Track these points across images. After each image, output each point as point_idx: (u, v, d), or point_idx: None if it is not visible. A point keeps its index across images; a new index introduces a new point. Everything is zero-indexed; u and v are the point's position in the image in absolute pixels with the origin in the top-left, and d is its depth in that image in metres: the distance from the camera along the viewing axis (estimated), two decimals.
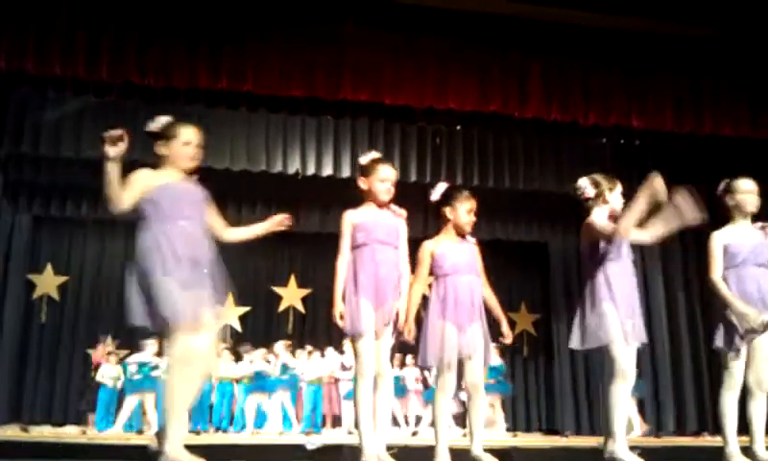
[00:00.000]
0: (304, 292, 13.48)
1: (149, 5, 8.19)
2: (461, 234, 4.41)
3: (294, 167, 10.06)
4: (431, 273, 4.39)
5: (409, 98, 8.72)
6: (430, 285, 4.41)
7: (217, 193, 10.70)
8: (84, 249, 13.00)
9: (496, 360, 10.65)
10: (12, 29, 7.83)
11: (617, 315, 4.12)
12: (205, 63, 8.23)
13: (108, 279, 12.92)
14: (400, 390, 11.06)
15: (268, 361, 10.91)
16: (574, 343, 4.29)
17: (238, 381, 10.68)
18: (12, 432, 9.24)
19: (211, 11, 8.31)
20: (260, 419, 10.72)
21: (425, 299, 4.36)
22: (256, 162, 9.95)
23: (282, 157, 10.01)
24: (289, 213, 4.47)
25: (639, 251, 11.28)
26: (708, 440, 9.34)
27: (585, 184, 4.45)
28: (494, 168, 10.40)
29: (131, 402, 9.89)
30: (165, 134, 3.89)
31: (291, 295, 13.49)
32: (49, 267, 12.67)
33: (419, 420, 11.54)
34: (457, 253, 4.35)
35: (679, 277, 11.16)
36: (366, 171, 4.22)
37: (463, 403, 11.82)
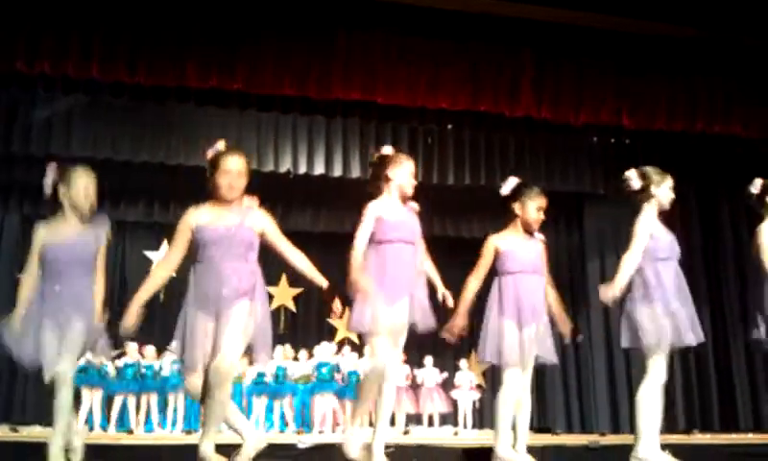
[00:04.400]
0: (296, 291, 13.46)
1: (139, 3, 8.16)
2: (528, 231, 4.35)
3: (285, 166, 10.05)
4: (492, 268, 4.31)
5: (400, 97, 8.72)
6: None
7: (207, 192, 10.62)
8: None
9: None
10: (2, 28, 7.79)
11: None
12: (196, 62, 8.20)
13: None
14: None
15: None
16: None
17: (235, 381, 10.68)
18: (1, 432, 9.19)
19: (202, 9, 8.28)
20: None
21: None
22: (248, 161, 9.91)
23: (274, 157, 10.01)
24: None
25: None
26: (698, 437, 9.37)
27: (632, 176, 4.37)
28: (486, 167, 10.42)
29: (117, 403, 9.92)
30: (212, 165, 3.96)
31: (282, 294, 13.46)
32: None
33: (409, 419, 11.56)
34: (524, 251, 4.28)
35: None
36: (392, 162, 4.13)
37: (454, 402, 11.86)
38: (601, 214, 11.58)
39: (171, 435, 9.74)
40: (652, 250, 4.21)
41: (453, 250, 13.47)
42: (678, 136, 9.55)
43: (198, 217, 3.75)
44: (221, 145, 3.85)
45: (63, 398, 3.95)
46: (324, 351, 11.15)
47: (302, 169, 10.09)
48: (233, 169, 3.88)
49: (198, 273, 3.78)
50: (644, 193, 4.32)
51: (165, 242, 13.12)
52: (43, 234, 4.06)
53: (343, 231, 12.28)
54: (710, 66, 9.09)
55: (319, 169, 10.08)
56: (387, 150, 4.21)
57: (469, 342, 13.44)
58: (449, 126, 10.19)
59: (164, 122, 9.72)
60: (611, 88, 9.03)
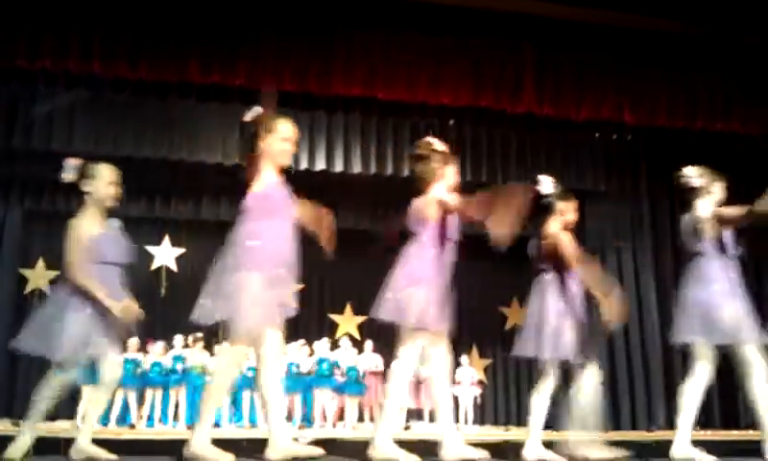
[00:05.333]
0: (297, 286, 13.45)
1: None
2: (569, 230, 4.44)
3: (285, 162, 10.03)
4: (557, 267, 4.37)
5: (402, 93, 8.72)
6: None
7: (209, 187, 10.83)
8: None
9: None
10: (3, 23, 7.79)
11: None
12: (197, 58, 8.21)
13: None
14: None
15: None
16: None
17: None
18: (3, 426, 9.21)
19: (204, 5, 8.29)
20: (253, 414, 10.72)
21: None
22: (248, 157, 9.92)
23: None
24: None
25: (632, 248, 11.29)
26: (699, 434, 9.37)
27: (691, 173, 4.41)
28: (487, 163, 10.41)
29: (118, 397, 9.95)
30: (263, 127, 3.73)
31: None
32: (41, 261, 12.62)
33: (409, 414, 11.57)
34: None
35: (669, 271, 11.18)
36: (445, 160, 4.10)
37: (455, 398, 11.87)
38: (602, 211, 11.57)
39: (173, 430, 9.76)
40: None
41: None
42: (679, 133, 9.55)
43: (269, 180, 3.69)
44: (260, 109, 3.78)
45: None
46: (324, 346, 11.16)
47: (303, 165, 10.07)
48: (293, 137, 3.80)
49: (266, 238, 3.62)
50: (703, 190, 4.33)
51: (167, 237, 13.14)
52: (86, 226, 4.09)
53: (344, 227, 12.28)
54: (711, 63, 9.09)
55: (320, 165, 10.07)
56: (441, 146, 4.12)
57: (470, 338, 13.54)
58: (451, 121, 10.18)
59: (166, 118, 9.71)
60: (612, 85, 9.03)
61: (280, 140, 3.70)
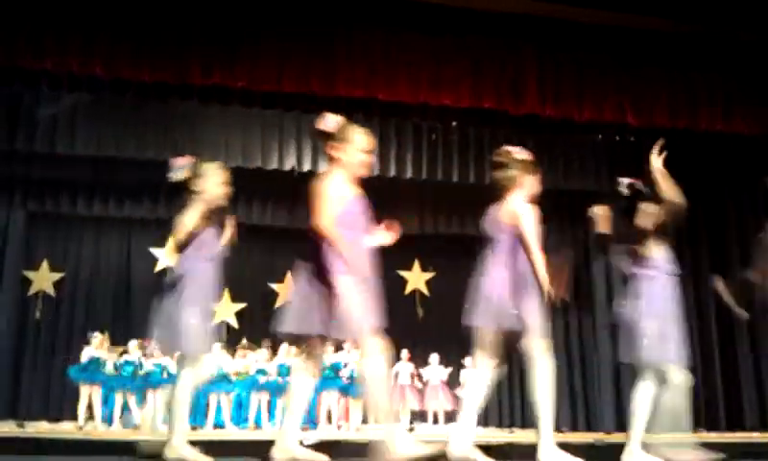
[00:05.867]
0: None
1: (142, 1, 8.17)
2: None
3: (290, 164, 10.05)
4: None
5: (404, 94, 8.71)
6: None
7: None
8: (79, 245, 12.97)
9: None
10: (5, 25, 7.80)
11: None
12: (199, 60, 8.20)
13: (103, 274, 12.91)
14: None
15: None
16: None
17: (237, 377, 10.65)
18: (7, 428, 9.23)
19: (204, 7, 8.29)
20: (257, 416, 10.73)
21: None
22: (251, 159, 9.94)
23: (278, 154, 10.01)
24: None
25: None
26: (704, 436, 9.35)
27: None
28: (490, 165, 10.39)
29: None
30: (339, 137, 3.68)
31: (287, 291, 13.47)
32: (44, 263, 12.64)
33: (413, 416, 11.57)
34: None
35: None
36: (525, 169, 4.11)
37: (459, 400, 11.85)
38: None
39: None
40: None
41: (457, 247, 13.50)
42: (681, 134, 9.54)
43: (343, 189, 3.62)
44: (338, 117, 3.73)
45: None
46: (329, 349, 11.17)
47: (307, 166, 10.09)
48: (370, 147, 3.73)
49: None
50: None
51: (170, 239, 13.15)
52: (195, 217, 4.17)
53: None
54: (713, 64, 9.07)
55: (323, 166, 10.05)
56: (525, 155, 4.15)
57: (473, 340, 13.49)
58: (453, 123, 10.18)
59: (168, 120, 9.73)
60: (614, 86, 9.01)
61: (358, 151, 3.64)
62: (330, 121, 3.67)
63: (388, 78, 8.56)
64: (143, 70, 8.16)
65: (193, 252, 4.15)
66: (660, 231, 4.36)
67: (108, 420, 10.14)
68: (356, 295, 3.44)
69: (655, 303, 4.32)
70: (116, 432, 9.22)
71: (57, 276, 12.71)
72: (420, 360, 11.90)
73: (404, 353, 11.69)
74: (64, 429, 9.89)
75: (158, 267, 13.04)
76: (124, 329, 11.95)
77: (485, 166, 10.39)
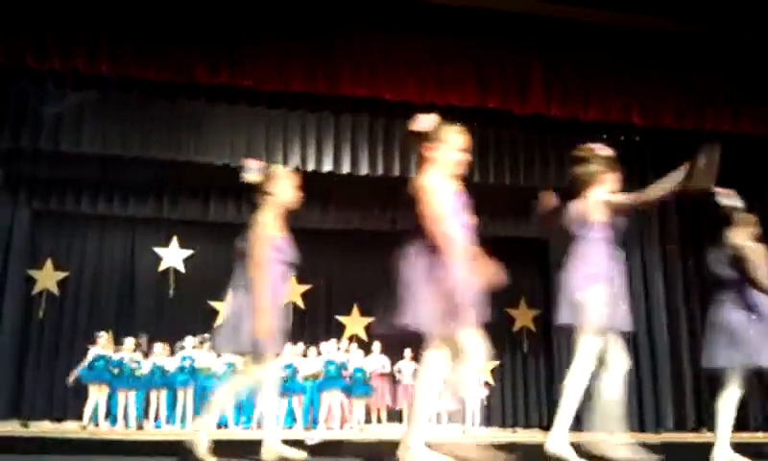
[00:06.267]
0: (304, 288, 13.47)
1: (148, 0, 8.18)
2: None
3: (294, 163, 10.05)
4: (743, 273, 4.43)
5: (409, 94, 8.70)
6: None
7: (217, 188, 10.86)
8: (83, 244, 12.99)
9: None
10: (12, 23, 7.81)
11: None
12: (205, 59, 8.22)
13: (108, 273, 12.92)
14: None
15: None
16: None
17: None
18: (11, 427, 9.25)
19: (211, 6, 8.30)
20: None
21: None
22: (256, 158, 9.92)
23: (282, 153, 10.01)
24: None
25: (639, 246, 11.29)
26: (708, 435, 9.34)
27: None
28: (495, 164, 10.39)
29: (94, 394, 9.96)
30: (435, 137, 3.67)
31: (290, 291, 13.48)
32: (49, 262, 12.66)
33: None
34: None
35: (678, 273, 11.16)
36: (607, 165, 4.15)
37: (462, 400, 11.85)
38: None
39: (181, 431, 9.77)
40: None
41: None
42: (687, 135, 9.52)
43: (446, 187, 3.61)
44: (432, 117, 3.71)
45: None
46: (332, 348, 11.17)
47: (311, 166, 10.08)
48: (466, 147, 3.72)
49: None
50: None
51: (175, 238, 13.17)
52: (270, 227, 4.18)
53: (351, 228, 12.29)
54: (719, 64, 9.06)
55: (327, 166, 10.07)
56: (604, 150, 4.18)
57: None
58: (458, 122, 10.16)
59: (174, 118, 9.74)
60: (620, 86, 9.00)
61: (455, 150, 3.65)
62: (425, 121, 3.67)
63: (393, 77, 8.56)
64: (149, 69, 8.17)
65: (272, 255, 4.15)
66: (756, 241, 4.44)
67: (112, 420, 10.14)
68: (463, 291, 3.46)
69: (762, 309, 4.43)
70: (119, 432, 9.23)
71: (61, 274, 12.72)
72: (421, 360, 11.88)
73: (407, 353, 11.69)
74: (68, 429, 9.91)
75: (162, 266, 13.05)
76: (128, 328, 11.97)
77: (489, 165, 10.39)
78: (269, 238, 4.14)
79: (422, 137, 3.64)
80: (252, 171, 4.35)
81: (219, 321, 4.29)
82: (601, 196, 4.04)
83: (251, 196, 4.29)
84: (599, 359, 3.98)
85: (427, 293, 3.44)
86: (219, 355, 10.33)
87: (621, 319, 3.96)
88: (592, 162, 4.13)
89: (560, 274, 4.11)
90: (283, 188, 4.31)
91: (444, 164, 3.61)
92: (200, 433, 4.12)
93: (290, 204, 4.34)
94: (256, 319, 3.99)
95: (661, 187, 3.88)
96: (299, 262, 4.40)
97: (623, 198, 3.99)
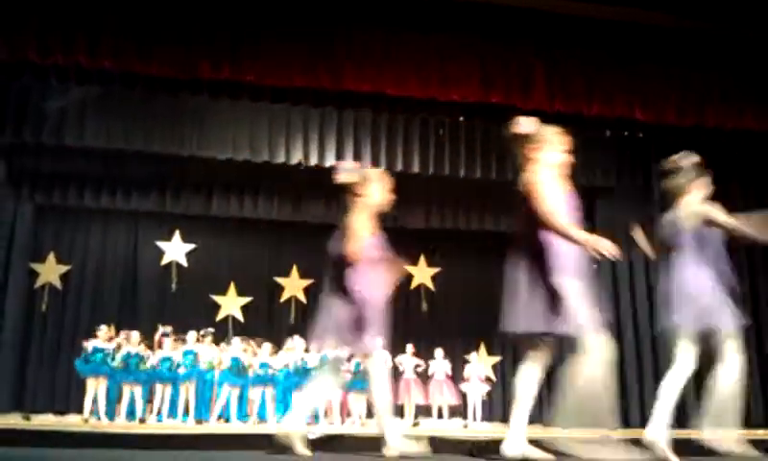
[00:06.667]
0: (306, 282, 13.48)
1: None
2: None
3: (297, 158, 10.06)
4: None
5: (412, 89, 8.70)
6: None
7: (220, 183, 10.83)
8: (86, 238, 13.00)
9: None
10: (14, 17, 7.81)
11: None
12: (208, 54, 8.22)
13: (110, 267, 12.94)
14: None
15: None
16: None
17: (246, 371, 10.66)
18: (14, 420, 9.27)
19: (213, 1, 8.30)
20: (262, 409, 10.74)
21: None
22: (259, 153, 9.96)
23: (285, 148, 10.02)
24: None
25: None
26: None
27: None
28: (497, 160, 10.38)
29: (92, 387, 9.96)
30: (537, 138, 3.81)
31: (293, 285, 13.50)
32: (51, 256, 12.68)
33: (418, 410, 11.58)
34: None
35: None
36: (694, 174, 4.26)
37: (464, 395, 11.87)
38: (613, 208, 11.54)
39: (183, 425, 9.79)
40: None
41: (463, 242, 13.50)
42: (690, 131, 9.50)
43: (557, 187, 3.70)
44: (532, 120, 3.85)
45: None
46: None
47: (314, 161, 10.09)
48: (569, 147, 3.89)
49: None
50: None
51: (177, 232, 13.18)
52: (365, 224, 4.20)
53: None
54: (723, 60, 9.03)
55: (330, 161, 10.08)
56: (687, 159, 4.29)
57: (479, 335, 13.52)
58: (461, 118, 10.16)
59: (176, 113, 9.75)
60: (623, 82, 8.99)
61: (558, 150, 3.81)
62: (526, 124, 3.78)
63: (396, 73, 8.56)
64: (152, 64, 8.18)
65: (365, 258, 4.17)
66: None
67: (110, 413, 10.13)
68: (580, 292, 3.54)
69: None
70: (119, 425, 9.24)
71: (63, 268, 12.74)
72: (424, 355, 11.90)
73: (409, 348, 11.70)
74: (70, 422, 9.93)
75: (165, 260, 13.07)
76: (130, 322, 11.99)
77: (492, 161, 10.38)
78: (365, 239, 4.16)
79: (525, 140, 3.76)
80: (346, 173, 4.38)
81: (316, 320, 4.34)
82: (692, 206, 4.20)
83: (340, 197, 4.34)
84: (715, 357, 4.04)
85: (538, 297, 3.55)
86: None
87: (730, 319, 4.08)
88: (680, 174, 4.29)
89: (665, 283, 4.20)
90: (376, 190, 4.34)
91: (549, 165, 3.71)
92: (294, 427, 4.17)
93: (382, 205, 4.36)
94: (363, 315, 4.08)
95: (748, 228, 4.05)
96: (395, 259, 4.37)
97: (713, 214, 4.13)
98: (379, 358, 4.29)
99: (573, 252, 3.56)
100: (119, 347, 10.30)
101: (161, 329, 10.92)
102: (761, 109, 9.15)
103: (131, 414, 10.14)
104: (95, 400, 9.98)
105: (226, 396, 10.45)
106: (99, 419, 9.77)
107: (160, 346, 10.62)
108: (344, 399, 10.86)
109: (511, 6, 8.55)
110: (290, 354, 10.85)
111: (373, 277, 4.17)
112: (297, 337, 11.02)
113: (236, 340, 10.97)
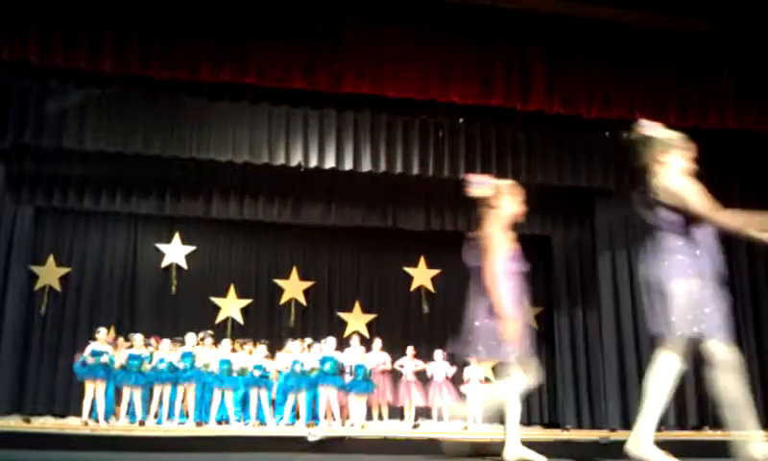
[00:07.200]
0: (306, 285, 13.49)
1: None
2: None
3: (296, 160, 10.06)
4: None
5: (411, 91, 8.71)
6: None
7: (219, 185, 10.86)
8: (86, 240, 13.01)
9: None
10: (15, 20, 7.81)
11: None
12: (208, 56, 8.22)
13: (110, 270, 12.95)
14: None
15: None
16: None
17: (240, 374, 10.66)
18: (14, 423, 9.27)
19: (213, 4, 8.30)
20: (260, 411, 10.73)
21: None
22: (259, 155, 9.96)
23: (285, 150, 10.02)
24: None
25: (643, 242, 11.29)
26: (709, 434, 9.34)
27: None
28: (497, 161, 10.39)
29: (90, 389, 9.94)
30: (664, 143, 3.88)
31: (292, 287, 13.50)
32: (51, 258, 12.68)
33: (418, 412, 11.57)
34: None
35: None
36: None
37: (464, 397, 11.85)
38: (612, 210, 11.55)
39: (183, 427, 9.79)
40: None
41: (463, 244, 13.49)
42: (690, 132, 9.48)
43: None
44: (657, 124, 3.91)
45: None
46: (330, 345, 11.07)
47: (313, 163, 10.09)
48: (694, 153, 3.93)
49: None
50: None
51: (177, 235, 13.19)
52: (501, 236, 4.31)
53: (353, 225, 12.30)
54: (722, 61, 9.03)
55: (329, 163, 10.08)
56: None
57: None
58: (461, 119, 10.17)
59: (176, 115, 9.75)
60: (622, 83, 8.98)
61: (686, 156, 3.88)
62: (655, 128, 3.90)
63: (395, 74, 8.56)
64: (152, 66, 8.18)
65: (504, 267, 4.24)
66: None
67: (108, 415, 10.11)
68: (717, 298, 3.62)
69: None
70: (119, 427, 9.23)
71: (63, 271, 12.75)
72: (424, 357, 11.90)
73: (409, 350, 11.70)
74: (70, 425, 9.92)
75: (165, 262, 13.07)
76: (130, 324, 11.99)
77: (492, 163, 10.38)
78: (502, 250, 4.23)
79: (654, 144, 3.90)
80: (481, 186, 4.42)
81: (463, 330, 4.39)
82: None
83: (475, 209, 4.37)
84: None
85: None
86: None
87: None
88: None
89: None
90: (509, 202, 4.38)
91: (678, 169, 3.82)
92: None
93: (515, 217, 4.40)
94: (503, 326, 4.11)
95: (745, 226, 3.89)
96: (524, 270, 4.39)
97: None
98: (517, 369, 4.28)
99: (693, 253, 3.64)
100: (117, 348, 10.30)
101: (201, 334, 10.93)
102: (762, 109, 9.15)
103: (131, 416, 10.14)
104: (94, 403, 9.97)
105: (220, 398, 10.45)
106: (98, 421, 9.76)
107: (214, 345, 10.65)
108: (344, 401, 10.85)
109: (510, 8, 8.56)
110: (288, 356, 10.84)
111: (513, 288, 4.23)
112: (291, 341, 11.05)
113: (225, 342, 10.96)
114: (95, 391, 9.94)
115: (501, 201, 4.35)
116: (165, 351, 10.44)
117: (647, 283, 3.74)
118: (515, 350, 4.16)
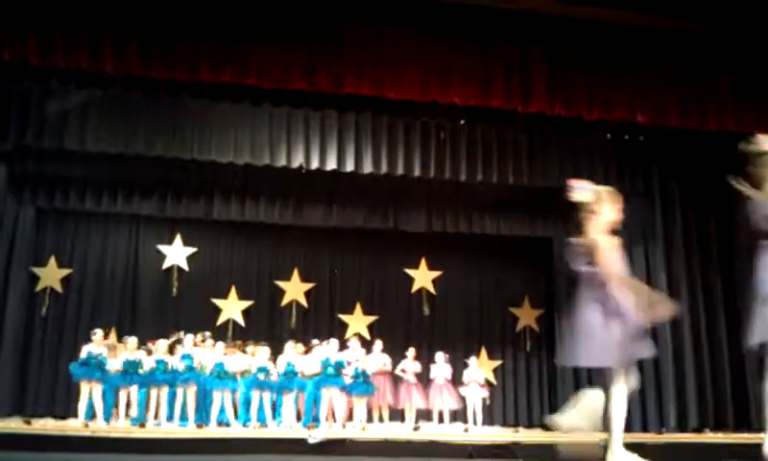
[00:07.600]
0: (307, 286, 13.48)
1: None
2: None
3: (297, 161, 10.07)
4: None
5: (412, 92, 8.71)
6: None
7: (220, 186, 10.88)
8: (87, 241, 13.01)
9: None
10: (16, 21, 7.82)
11: None
12: (209, 57, 8.22)
13: (111, 271, 12.94)
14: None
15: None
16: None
17: (242, 376, 10.65)
18: (14, 425, 9.26)
19: (215, 5, 8.30)
20: (261, 414, 10.71)
21: None
22: (260, 156, 9.97)
23: (286, 152, 10.03)
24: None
25: (644, 249, 11.24)
26: (709, 436, 9.33)
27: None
28: (498, 163, 10.39)
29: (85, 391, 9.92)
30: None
31: (294, 289, 13.49)
32: (52, 260, 12.68)
33: (419, 415, 11.55)
34: None
35: (681, 271, 11.13)
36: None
37: (463, 399, 11.84)
38: None
39: (183, 430, 9.77)
40: None
41: (464, 246, 13.49)
42: (691, 134, 9.50)
43: None
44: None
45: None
46: (332, 347, 11.05)
47: (315, 164, 10.10)
48: None
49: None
50: None
51: (179, 236, 13.19)
52: (607, 242, 4.27)
53: (354, 227, 12.30)
54: (723, 63, 9.03)
55: (331, 164, 10.09)
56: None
57: (479, 339, 13.51)
58: (462, 121, 10.17)
59: (177, 116, 9.76)
60: (623, 85, 8.98)
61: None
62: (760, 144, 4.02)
63: (396, 76, 8.56)
64: (153, 67, 8.18)
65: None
66: None
67: (107, 416, 10.09)
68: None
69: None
70: (120, 429, 9.23)
71: (64, 272, 12.75)
72: (425, 358, 11.89)
73: (410, 352, 11.69)
74: (71, 427, 9.92)
75: (166, 264, 13.07)
76: (131, 326, 11.98)
77: (493, 164, 10.38)
78: (614, 256, 4.23)
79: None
80: (582, 191, 4.44)
81: (568, 337, 4.38)
82: None
83: (571, 214, 4.37)
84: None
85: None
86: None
87: None
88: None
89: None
90: (609, 209, 4.38)
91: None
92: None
93: (615, 223, 4.39)
94: (625, 329, 4.12)
95: None
96: None
97: None
98: (623, 375, 4.30)
99: None
100: (113, 350, 10.29)
101: (199, 335, 10.91)
102: (762, 111, 9.14)
103: (131, 419, 10.12)
104: (89, 404, 9.96)
105: (219, 400, 10.44)
106: (89, 422, 9.75)
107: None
108: (351, 403, 10.84)
109: (511, 8, 8.57)
110: (288, 358, 10.81)
111: (628, 293, 4.22)
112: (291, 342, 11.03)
113: (220, 344, 10.94)
114: (91, 392, 9.93)
115: (602, 207, 4.37)
116: (161, 353, 10.42)
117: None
118: (626, 354, 4.18)
